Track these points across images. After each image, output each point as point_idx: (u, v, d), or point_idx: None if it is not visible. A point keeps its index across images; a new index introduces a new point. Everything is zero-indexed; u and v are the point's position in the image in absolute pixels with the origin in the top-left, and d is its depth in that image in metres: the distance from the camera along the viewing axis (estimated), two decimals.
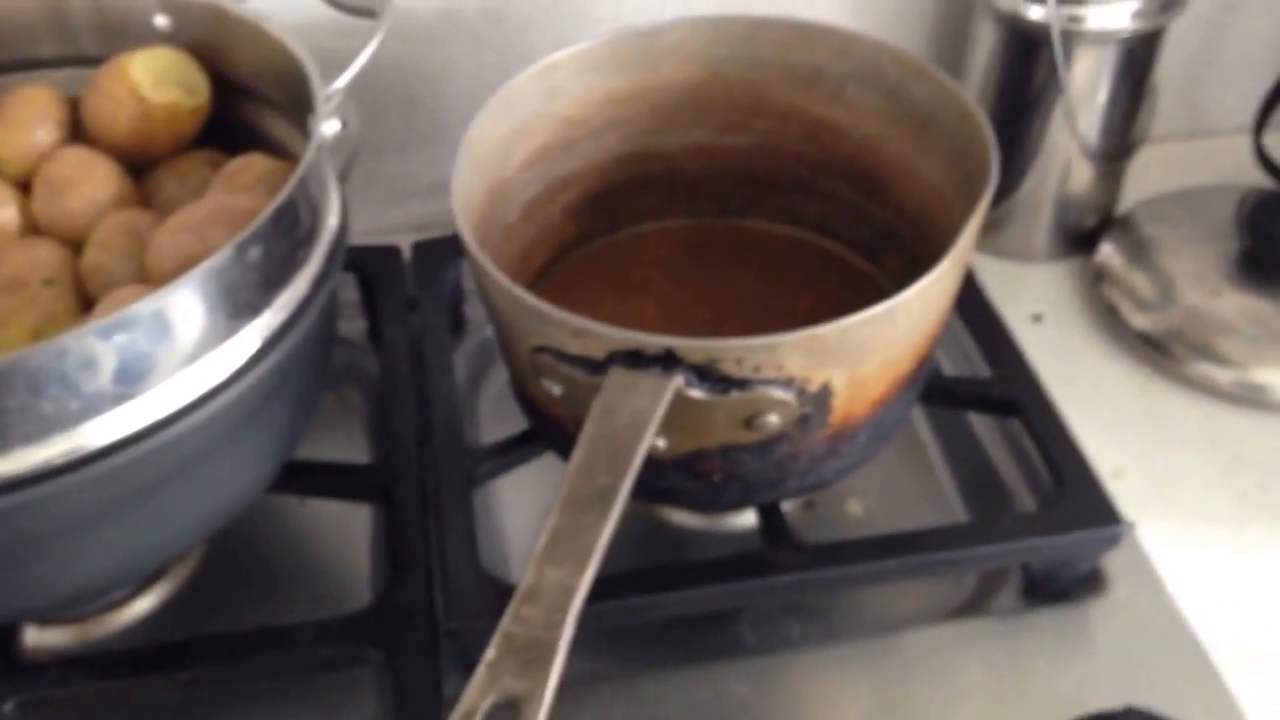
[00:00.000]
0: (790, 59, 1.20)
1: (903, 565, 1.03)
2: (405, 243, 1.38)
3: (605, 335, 0.88)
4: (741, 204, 1.29)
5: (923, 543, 1.05)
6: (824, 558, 1.03)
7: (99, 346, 0.82)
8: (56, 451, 0.83)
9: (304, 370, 1.02)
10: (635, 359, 0.87)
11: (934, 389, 1.16)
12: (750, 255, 1.27)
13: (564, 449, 1.04)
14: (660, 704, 0.95)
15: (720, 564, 1.04)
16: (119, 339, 0.83)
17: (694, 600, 0.98)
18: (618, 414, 0.85)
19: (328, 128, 0.99)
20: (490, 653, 0.71)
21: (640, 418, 0.84)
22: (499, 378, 1.27)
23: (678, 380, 0.86)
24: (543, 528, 0.79)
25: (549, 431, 1.05)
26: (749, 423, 0.90)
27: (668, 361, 0.87)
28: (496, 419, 1.24)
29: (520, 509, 1.18)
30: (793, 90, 1.21)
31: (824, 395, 0.91)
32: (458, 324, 1.35)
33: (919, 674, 1.03)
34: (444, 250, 1.27)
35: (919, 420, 1.26)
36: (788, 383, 0.88)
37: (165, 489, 0.92)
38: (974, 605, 1.09)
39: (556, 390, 0.94)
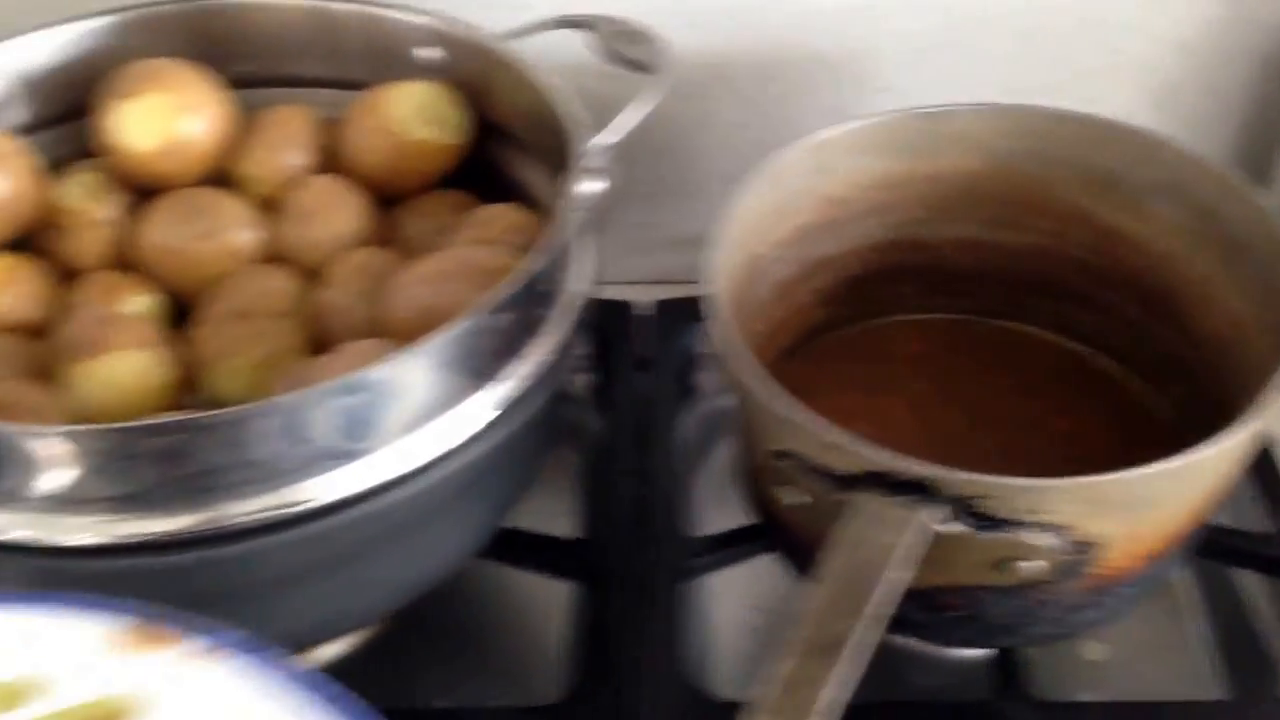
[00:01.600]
0: (1085, 160, 1.11)
1: None
2: (635, 295, 1.32)
3: (859, 454, 0.81)
4: (1008, 306, 1.20)
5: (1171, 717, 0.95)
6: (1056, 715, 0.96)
7: (334, 403, 0.79)
8: (277, 503, 0.80)
9: (533, 439, 0.97)
10: (887, 482, 0.80)
11: (1203, 539, 1.05)
12: (1011, 362, 1.18)
13: (794, 554, 0.98)
14: None
15: (946, 710, 0.96)
16: (353, 398, 0.80)
17: None
18: (866, 535, 0.78)
19: (588, 187, 0.95)
20: None
21: (889, 542, 0.78)
22: (722, 455, 1.21)
23: (932, 512, 0.79)
24: (772, 677, 0.72)
25: (780, 534, 0.99)
26: (1000, 566, 0.82)
27: (923, 490, 0.79)
28: (715, 502, 1.18)
29: (727, 605, 1.11)
30: (1083, 193, 1.12)
31: (1091, 546, 0.83)
32: (686, 390, 1.29)
33: None
34: (685, 311, 1.19)
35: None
36: (1054, 529, 0.80)
37: (377, 551, 0.88)
38: None
39: (794, 499, 0.87)
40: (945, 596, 0.87)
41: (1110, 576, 0.87)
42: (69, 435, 0.75)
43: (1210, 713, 0.95)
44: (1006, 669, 0.98)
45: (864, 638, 0.75)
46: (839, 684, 0.73)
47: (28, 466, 0.75)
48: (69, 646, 0.63)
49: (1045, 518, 0.80)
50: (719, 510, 1.13)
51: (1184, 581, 1.16)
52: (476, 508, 0.95)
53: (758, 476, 0.97)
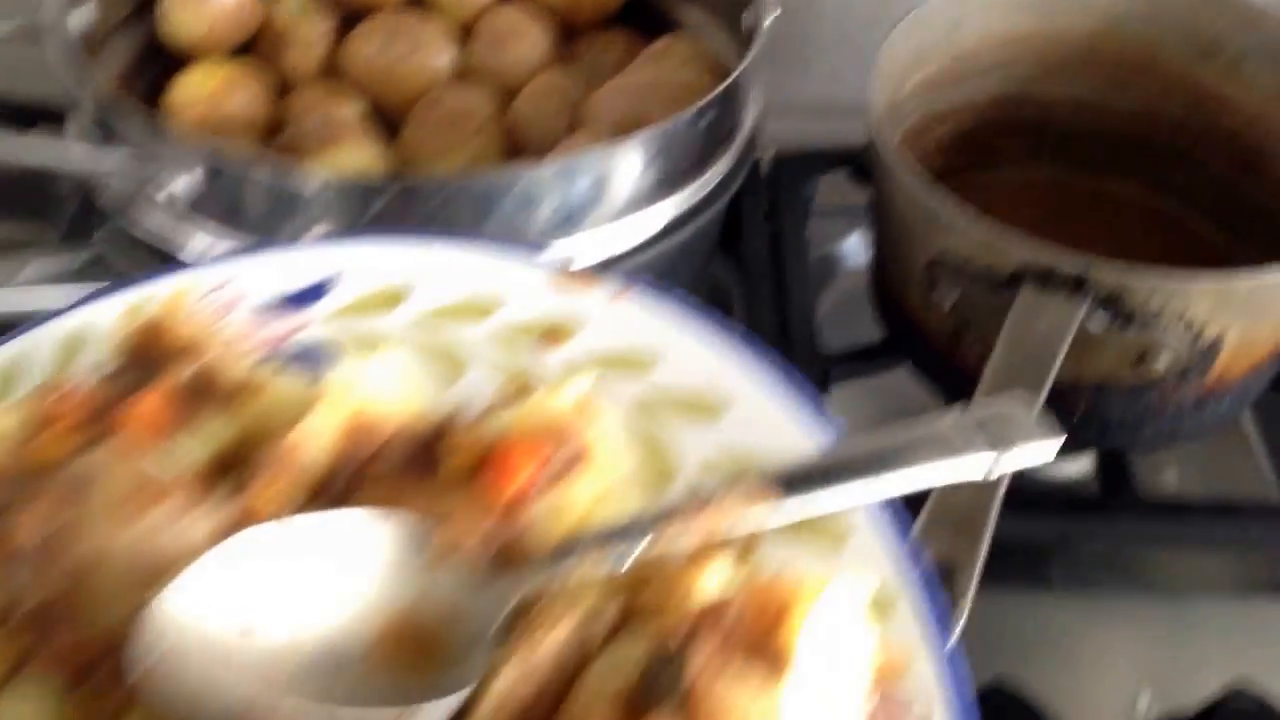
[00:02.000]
0: (1192, 25, 1.22)
1: (1237, 533, 1.04)
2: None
3: (1019, 248, 0.91)
4: (1106, 163, 1.31)
5: (1256, 515, 1.07)
6: (1162, 513, 1.05)
7: (551, 181, 0.93)
8: None
9: (699, 254, 1.11)
10: (1045, 279, 0.91)
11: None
12: (1107, 216, 1.23)
13: (930, 363, 1.09)
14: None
15: (1059, 495, 1.08)
16: (568, 181, 0.94)
17: (1029, 528, 0.98)
18: (1032, 327, 0.89)
19: (769, 14, 1.07)
20: (923, 517, 0.78)
21: (1057, 331, 0.88)
22: (829, 299, 1.33)
23: (1084, 308, 0.90)
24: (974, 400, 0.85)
25: (917, 344, 1.10)
26: (1137, 362, 0.94)
27: (1077, 285, 0.90)
28: (838, 326, 1.26)
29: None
30: (1187, 56, 1.24)
31: (1213, 348, 0.94)
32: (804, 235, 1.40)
33: (1201, 640, 1.02)
34: (804, 167, 1.30)
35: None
36: (1187, 327, 0.91)
37: None
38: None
39: (947, 302, 0.99)
40: (1074, 396, 0.97)
41: (1220, 382, 0.98)
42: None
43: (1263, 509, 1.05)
44: (1117, 479, 1.07)
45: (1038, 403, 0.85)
46: None
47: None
48: (523, 280, 0.81)
49: (1181, 316, 0.90)
50: (843, 333, 1.23)
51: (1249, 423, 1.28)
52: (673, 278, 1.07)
53: (904, 288, 1.08)
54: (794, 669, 0.57)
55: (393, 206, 0.92)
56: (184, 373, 0.72)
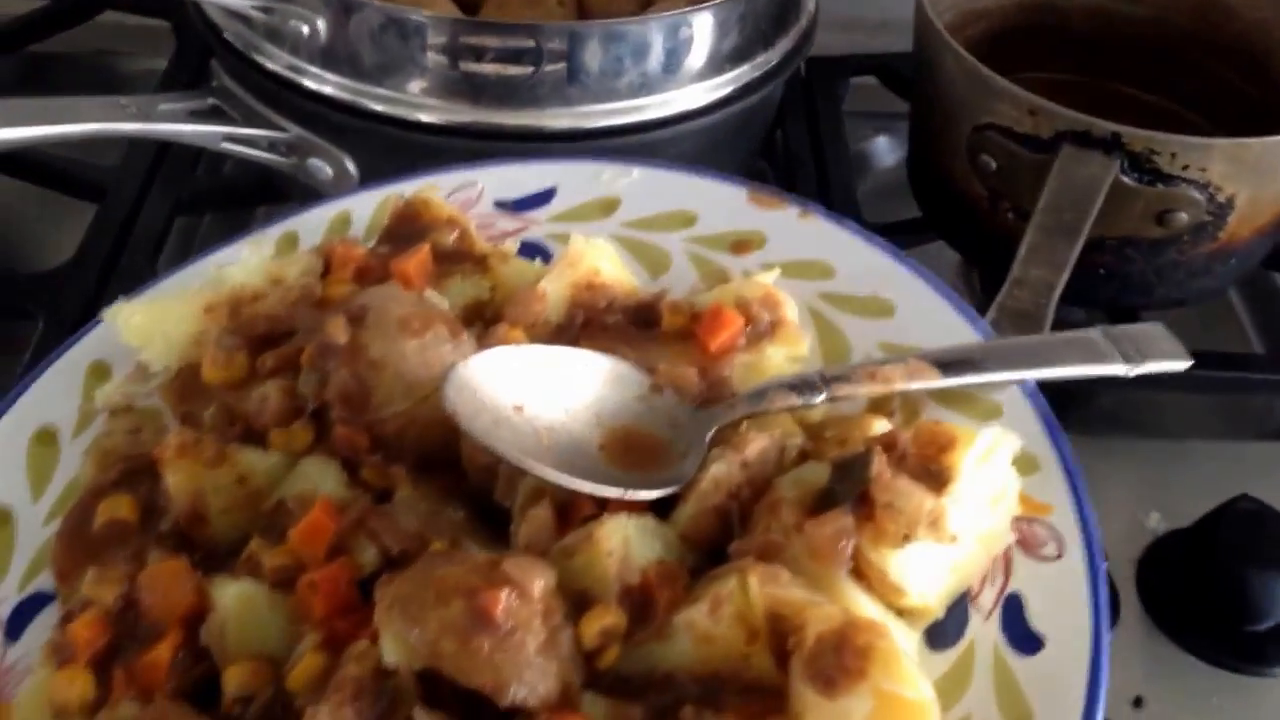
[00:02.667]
0: None
1: (1230, 381, 1.13)
2: None
3: (1059, 114, 1.02)
4: (1121, 70, 1.32)
5: (1245, 365, 1.16)
6: None
7: (650, 34, 1.06)
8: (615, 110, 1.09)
9: (757, 127, 1.23)
10: (1083, 140, 1.02)
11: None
12: (1121, 119, 1.28)
13: (966, 235, 1.19)
14: None
15: None
16: (657, 38, 1.06)
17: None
18: (1074, 176, 1.01)
19: None
20: (991, 314, 0.91)
21: (1095, 181, 1.00)
22: (861, 193, 1.35)
23: (1117, 165, 1.00)
24: (1020, 246, 0.98)
25: (954, 217, 1.20)
26: (1160, 218, 1.04)
27: (1110, 146, 1.01)
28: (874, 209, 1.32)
29: None
30: None
31: (1226, 208, 1.04)
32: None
33: (1201, 474, 1.08)
34: (837, 70, 1.45)
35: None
36: (1204, 186, 1.02)
37: None
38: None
39: (992, 165, 1.09)
40: (1101, 253, 1.07)
41: (1230, 242, 1.07)
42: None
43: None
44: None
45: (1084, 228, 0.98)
46: (1072, 251, 0.96)
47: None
48: (718, 199, 0.95)
49: (1200, 175, 1.01)
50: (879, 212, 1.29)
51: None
52: (732, 154, 1.20)
53: (949, 159, 1.15)
54: (957, 488, 0.69)
55: (493, 62, 1.05)
56: (447, 238, 0.87)
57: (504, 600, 0.63)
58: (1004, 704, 0.66)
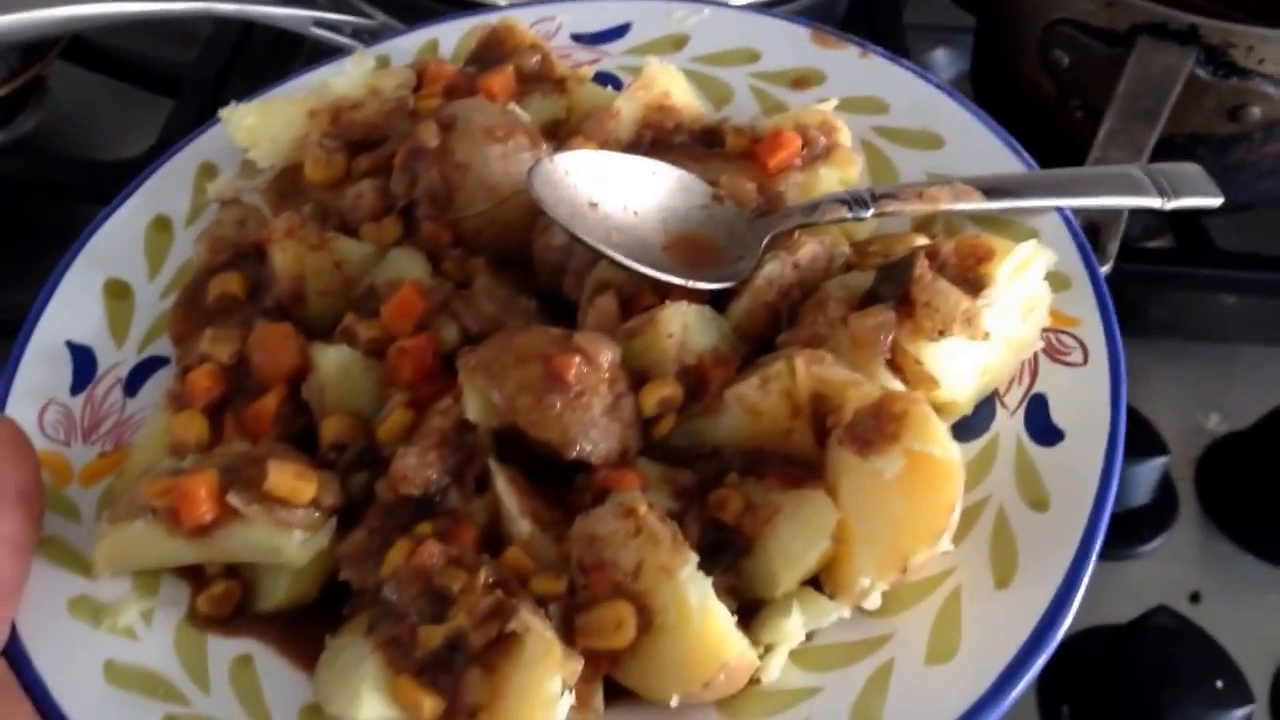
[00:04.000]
0: None
1: None
2: None
3: (1136, 6, 1.05)
4: None
5: None
6: (1236, 262, 1.16)
7: None
8: None
9: (826, 22, 1.18)
10: (1159, 32, 1.04)
11: None
12: None
13: (1029, 136, 1.13)
14: None
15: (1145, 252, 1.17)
16: None
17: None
18: (1151, 66, 1.03)
19: None
20: None
21: (1172, 71, 1.03)
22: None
23: (1193, 57, 1.03)
24: (1100, 128, 1.01)
25: (1023, 117, 1.14)
26: (1233, 113, 1.06)
27: (1186, 38, 1.03)
28: None
29: None
30: None
31: None
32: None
33: (1257, 379, 1.12)
34: None
35: None
36: (1279, 81, 1.04)
37: None
38: None
39: (1065, 61, 1.11)
40: (1167, 152, 1.04)
41: None
42: None
43: None
44: (1194, 237, 1.19)
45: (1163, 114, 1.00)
46: (1151, 134, 0.99)
47: None
48: (782, 38, 1.01)
49: (1276, 70, 1.02)
50: None
51: None
52: None
53: (1016, 60, 1.17)
54: (992, 293, 0.75)
55: None
56: (529, 61, 0.93)
57: (575, 366, 0.71)
58: (1023, 487, 0.73)
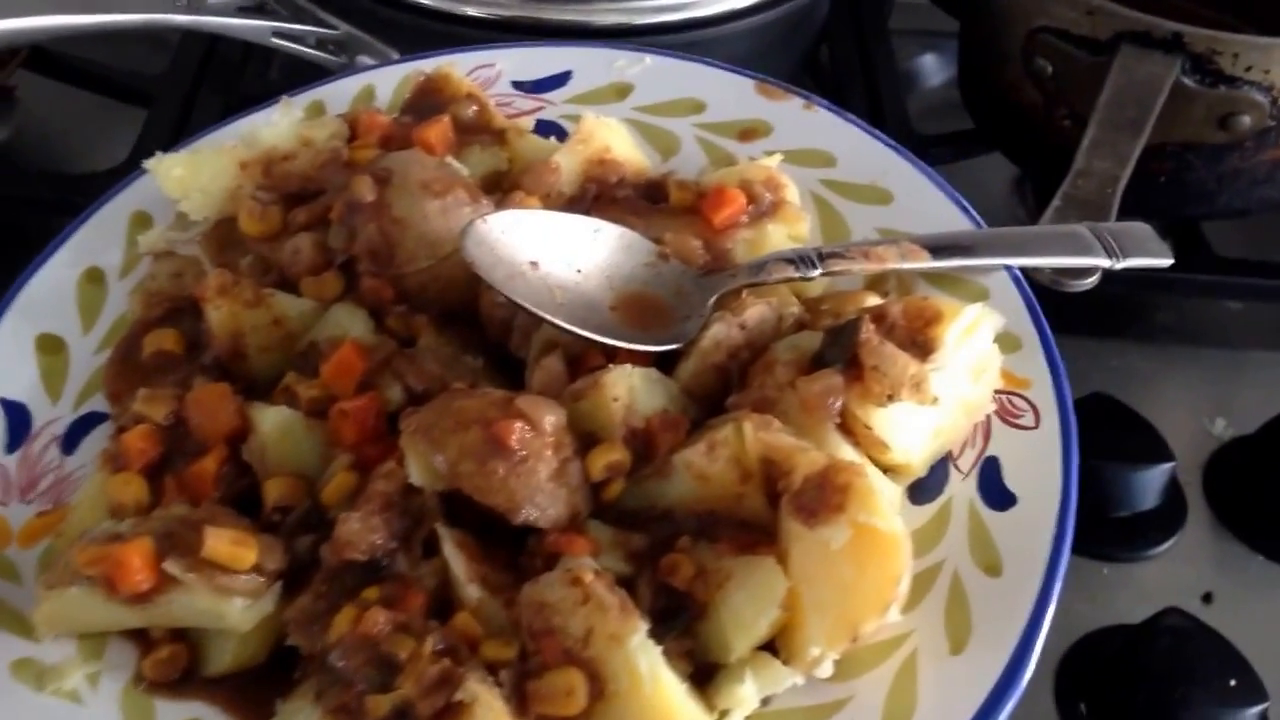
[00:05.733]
0: None
1: None
2: None
3: (1118, 14, 1.07)
4: None
5: None
6: (1234, 269, 1.21)
7: None
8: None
9: (803, 33, 1.32)
10: (1142, 40, 1.07)
11: None
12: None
13: (1020, 145, 1.25)
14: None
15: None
16: None
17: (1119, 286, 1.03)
18: (1135, 74, 1.06)
19: None
20: (1056, 202, 0.99)
21: (1156, 80, 1.05)
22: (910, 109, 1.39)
23: (1178, 65, 1.05)
24: (1084, 138, 1.04)
25: (1008, 126, 1.26)
26: (1223, 122, 1.09)
27: (1171, 46, 1.06)
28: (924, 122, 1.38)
29: None
30: None
31: None
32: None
33: (1264, 384, 1.16)
34: None
35: None
36: (1268, 89, 1.07)
37: None
38: None
39: (1048, 70, 1.14)
40: (1161, 160, 1.11)
41: None
42: None
43: None
44: (1192, 244, 1.24)
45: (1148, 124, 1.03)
46: (1135, 146, 1.02)
47: None
48: (727, 89, 1.06)
49: (1264, 77, 1.05)
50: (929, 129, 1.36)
51: None
52: (778, 61, 1.28)
53: (1001, 67, 1.20)
54: (940, 357, 0.80)
55: None
56: (466, 112, 0.97)
57: (518, 431, 0.74)
58: (977, 551, 0.77)
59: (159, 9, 1.18)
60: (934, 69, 1.55)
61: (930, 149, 1.29)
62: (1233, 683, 0.90)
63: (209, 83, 1.33)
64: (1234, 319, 1.24)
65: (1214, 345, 1.21)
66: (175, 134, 1.23)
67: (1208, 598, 0.99)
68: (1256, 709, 0.89)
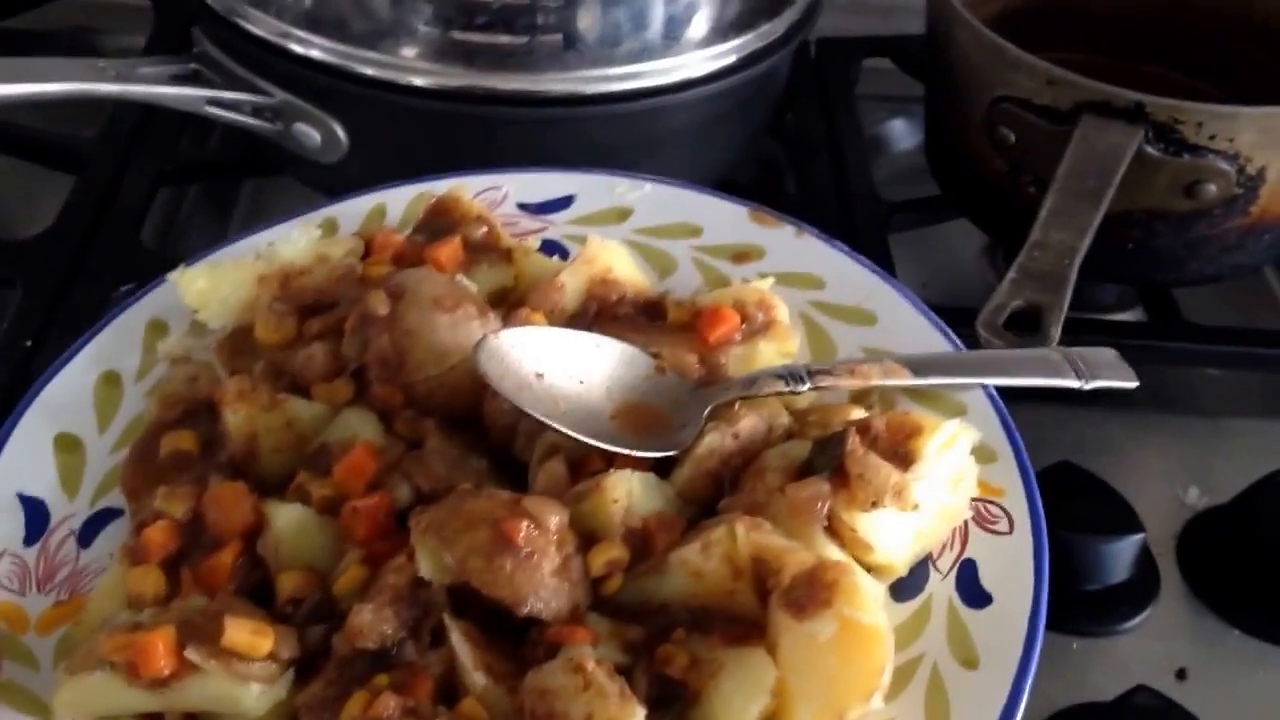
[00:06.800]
0: None
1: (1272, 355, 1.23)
2: None
3: (1079, 84, 1.10)
4: (1141, 49, 1.39)
5: None
6: (1207, 336, 1.25)
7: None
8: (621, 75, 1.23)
9: (762, 101, 1.35)
10: (1104, 110, 1.10)
11: None
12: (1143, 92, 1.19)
13: (985, 210, 1.28)
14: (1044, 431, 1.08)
15: (1116, 325, 1.29)
16: (661, 3, 1.21)
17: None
18: (1095, 145, 1.09)
19: None
20: (1012, 274, 1.04)
21: (1118, 150, 1.08)
22: (877, 175, 1.45)
23: (1140, 135, 1.08)
24: (1041, 207, 1.09)
25: (973, 192, 1.29)
26: (1189, 190, 1.11)
27: (1133, 115, 1.09)
28: (891, 187, 1.42)
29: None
30: None
31: (1257, 181, 1.12)
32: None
33: (1237, 452, 1.18)
34: (849, 51, 1.61)
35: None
36: (1233, 157, 1.09)
37: (675, 141, 1.29)
38: None
39: (1011, 139, 1.17)
40: (1128, 227, 1.14)
41: (1263, 217, 1.14)
42: None
43: None
44: (1164, 311, 1.28)
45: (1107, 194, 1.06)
46: (1095, 216, 1.06)
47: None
48: (722, 215, 1.14)
49: (1228, 146, 1.07)
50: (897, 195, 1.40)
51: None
52: (738, 128, 1.35)
53: (964, 135, 1.24)
54: (920, 468, 0.87)
55: (487, 27, 1.17)
56: (475, 232, 1.05)
57: (524, 529, 0.80)
58: (955, 646, 0.83)
59: (87, 78, 1.19)
60: (903, 134, 1.59)
61: (896, 214, 1.35)
62: None
63: (143, 149, 1.37)
64: (1208, 386, 1.27)
65: (1188, 413, 1.24)
66: (104, 202, 1.28)
67: (1181, 674, 1.01)
68: None
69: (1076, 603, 0.99)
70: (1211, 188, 1.11)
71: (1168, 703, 0.94)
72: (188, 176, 1.46)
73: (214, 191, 1.51)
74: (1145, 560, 1.06)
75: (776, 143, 1.54)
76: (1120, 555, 1.04)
